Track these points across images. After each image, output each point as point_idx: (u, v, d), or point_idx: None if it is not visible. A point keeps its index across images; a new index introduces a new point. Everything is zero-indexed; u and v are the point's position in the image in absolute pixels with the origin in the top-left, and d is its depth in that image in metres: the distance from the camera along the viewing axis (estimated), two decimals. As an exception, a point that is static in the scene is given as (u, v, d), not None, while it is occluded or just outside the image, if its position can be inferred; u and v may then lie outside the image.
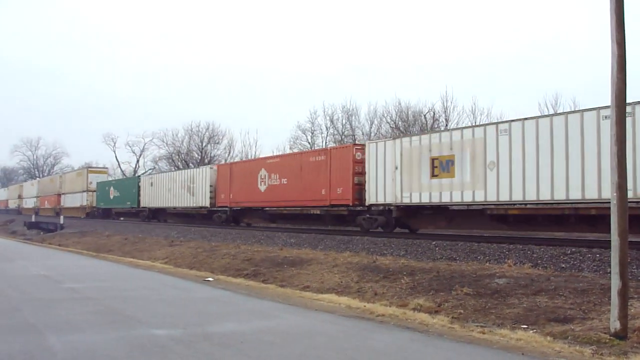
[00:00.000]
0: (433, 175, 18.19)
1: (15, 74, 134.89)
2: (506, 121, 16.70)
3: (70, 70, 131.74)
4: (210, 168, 34.16)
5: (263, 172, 27.87)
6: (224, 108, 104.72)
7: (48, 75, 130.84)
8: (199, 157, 62.86)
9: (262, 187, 27.79)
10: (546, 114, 32.83)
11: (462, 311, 9.68)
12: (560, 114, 16.17)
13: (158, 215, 41.11)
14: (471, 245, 15.48)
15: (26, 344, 6.80)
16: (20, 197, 72.13)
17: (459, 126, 35.79)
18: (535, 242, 15.33)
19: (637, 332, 7.21)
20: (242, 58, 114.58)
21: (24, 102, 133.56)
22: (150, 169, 70.83)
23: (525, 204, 16.20)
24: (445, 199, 17.92)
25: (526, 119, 16.07)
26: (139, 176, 47.40)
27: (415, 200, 18.91)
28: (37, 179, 76.44)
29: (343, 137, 50.07)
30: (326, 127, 52.42)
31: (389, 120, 47.80)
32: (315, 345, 6.99)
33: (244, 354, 6.40)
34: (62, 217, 46.64)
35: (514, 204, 16.22)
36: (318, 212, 24.69)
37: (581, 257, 12.55)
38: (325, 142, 50.94)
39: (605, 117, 13.37)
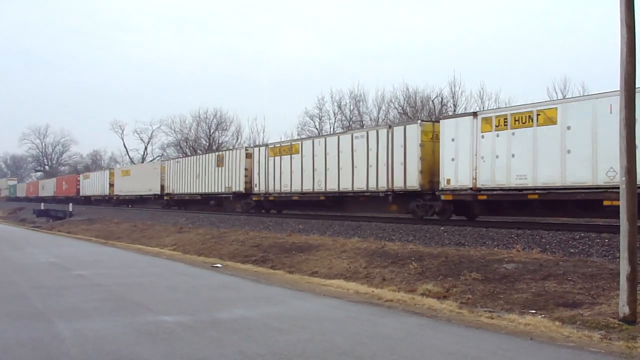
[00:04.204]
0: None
1: (24, 62, 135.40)
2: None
3: (78, 58, 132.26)
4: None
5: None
6: (231, 95, 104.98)
7: (56, 64, 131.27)
8: (207, 144, 62.84)
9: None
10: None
11: (470, 296, 9.66)
12: None
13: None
14: (479, 230, 15.40)
15: (35, 331, 6.86)
16: None
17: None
18: (543, 227, 15.23)
19: (646, 317, 7.17)
20: (250, 45, 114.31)
21: (32, 90, 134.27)
22: (158, 156, 71.10)
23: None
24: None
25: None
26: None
27: None
28: None
29: (351, 122, 49.84)
30: (334, 113, 52.17)
31: (396, 106, 47.52)
32: (323, 330, 6.99)
33: (252, 340, 6.41)
34: (71, 204, 47.08)
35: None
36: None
37: (590, 242, 12.47)
38: (333, 128, 50.76)
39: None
